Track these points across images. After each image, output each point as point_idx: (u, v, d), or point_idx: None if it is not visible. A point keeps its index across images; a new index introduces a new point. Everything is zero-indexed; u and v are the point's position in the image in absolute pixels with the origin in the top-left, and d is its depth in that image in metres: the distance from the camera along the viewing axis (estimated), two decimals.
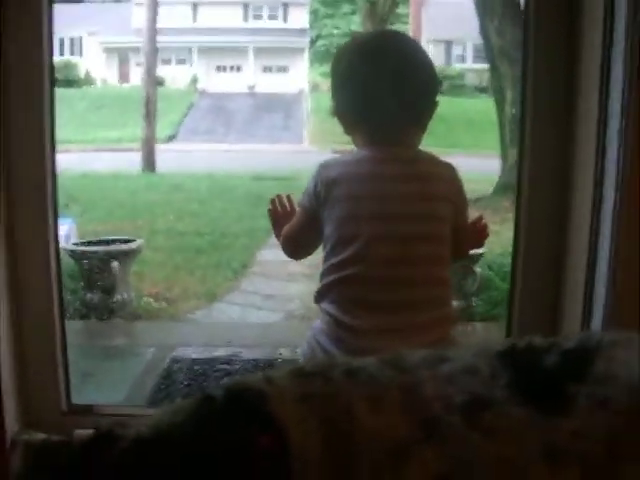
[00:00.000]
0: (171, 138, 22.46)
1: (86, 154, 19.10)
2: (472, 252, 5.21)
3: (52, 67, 2.53)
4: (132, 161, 16.24)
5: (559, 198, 2.61)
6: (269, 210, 2.42)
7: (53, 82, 2.55)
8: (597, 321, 2.43)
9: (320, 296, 2.20)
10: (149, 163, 16.48)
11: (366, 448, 1.06)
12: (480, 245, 2.47)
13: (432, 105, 2.21)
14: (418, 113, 2.19)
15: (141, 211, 10.89)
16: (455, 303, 5.41)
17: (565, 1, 2.53)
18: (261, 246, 8.36)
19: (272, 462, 1.04)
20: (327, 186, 2.12)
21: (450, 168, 2.24)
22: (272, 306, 6.64)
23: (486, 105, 15.51)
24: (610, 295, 2.37)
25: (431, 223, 2.15)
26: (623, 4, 2.24)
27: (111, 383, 3.98)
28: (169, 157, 17.25)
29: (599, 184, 2.40)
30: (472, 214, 2.36)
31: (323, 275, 2.19)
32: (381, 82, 2.12)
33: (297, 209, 2.32)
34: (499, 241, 6.45)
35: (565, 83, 2.55)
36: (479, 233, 2.37)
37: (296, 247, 2.36)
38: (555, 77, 2.56)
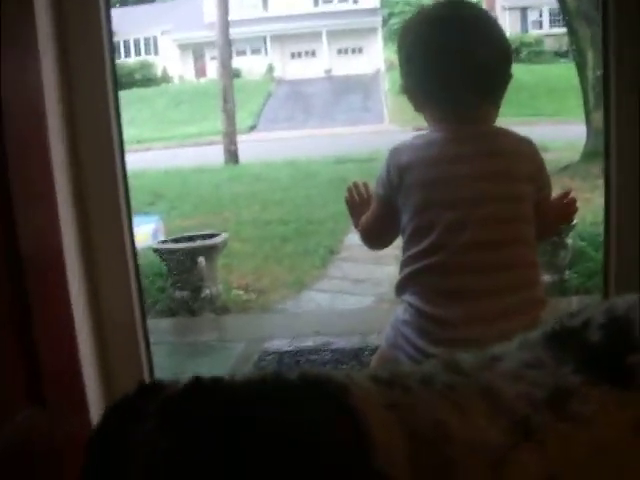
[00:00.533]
0: (252, 128, 22.67)
1: (169, 151, 19.40)
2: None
3: (113, 66, 2.50)
4: (215, 154, 16.42)
5: None
6: (346, 199, 2.35)
7: (116, 81, 2.52)
8: None
9: (401, 287, 2.11)
10: (231, 155, 16.63)
11: (462, 459, 1.01)
12: (568, 221, 2.32)
13: (506, 78, 2.04)
14: (491, 87, 2.03)
15: (226, 203, 10.94)
16: (548, 277, 5.27)
17: None
18: (348, 230, 8.15)
19: (349, 449, 0.99)
20: (400, 172, 2.00)
21: (529, 143, 2.08)
22: (362, 291, 6.54)
23: (567, 70, 15.20)
24: None
25: (513, 204, 2.01)
26: None
27: None
28: (251, 147, 17.41)
29: None
30: (561, 182, 2.24)
31: (403, 266, 2.09)
32: (450, 56, 1.97)
33: (373, 198, 2.25)
34: (591, 209, 6.27)
35: None
36: (566, 208, 2.25)
37: (376, 238, 2.29)
38: (638, 35, 2.44)
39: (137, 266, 2.58)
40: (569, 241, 5.60)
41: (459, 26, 1.99)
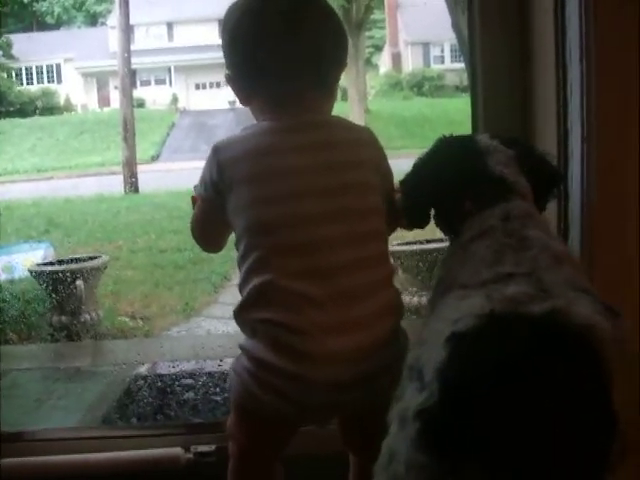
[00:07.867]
0: (154, 158, 22.37)
1: (70, 180, 19.09)
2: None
3: None
4: (116, 184, 16.17)
5: None
6: (192, 196, 2.23)
7: None
8: None
9: (245, 310, 1.94)
10: (131, 184, 16.40)
11: None
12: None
13: (338, 63, 1.94)
14: (323, 74, 1.92)
15: (122, 232, 10.80)
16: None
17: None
18: None
19: None
20: (226, 170, 1.88)
21: (368, 132, 1.99)
22: None
23: (467, 104, 15.45)
24: None
25: (362, 194, 1.86)
26: None
27: (67, 405, 3.84)
28: (153, 177, 17.18)
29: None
30: None
31: (242, 285, 1.95)
32: (274, 39, 1.86)
33: (197, 199, 2.14)
34: None
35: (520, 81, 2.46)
36: None
37: (207, 239, 2.21)
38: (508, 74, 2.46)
39: None
40: None
41: (283, 5, 1.87)
